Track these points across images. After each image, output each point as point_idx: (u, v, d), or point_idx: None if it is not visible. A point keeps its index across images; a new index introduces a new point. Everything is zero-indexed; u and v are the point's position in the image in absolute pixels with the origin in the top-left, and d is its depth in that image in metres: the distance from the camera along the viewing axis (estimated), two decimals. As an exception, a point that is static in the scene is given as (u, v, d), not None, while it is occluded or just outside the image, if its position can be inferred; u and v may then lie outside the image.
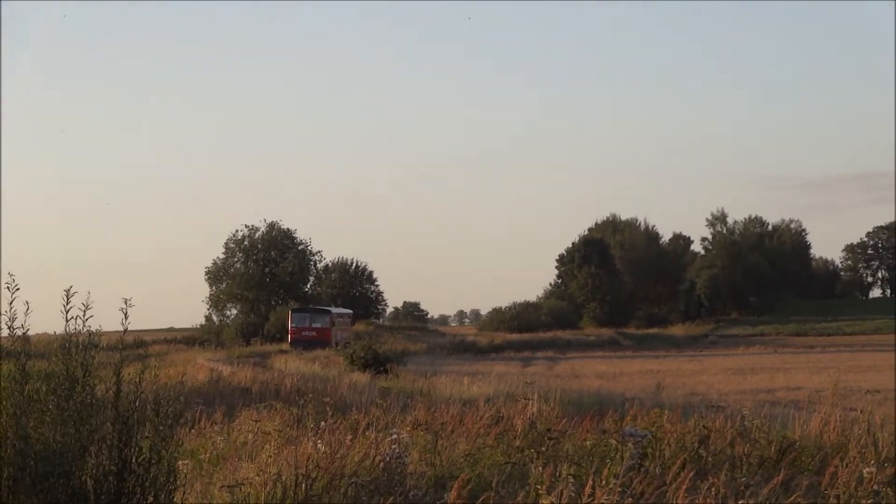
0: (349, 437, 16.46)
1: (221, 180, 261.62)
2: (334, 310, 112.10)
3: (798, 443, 16.76)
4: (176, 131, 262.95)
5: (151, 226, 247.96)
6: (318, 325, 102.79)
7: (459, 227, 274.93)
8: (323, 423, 17.75)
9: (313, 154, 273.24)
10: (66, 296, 10.49)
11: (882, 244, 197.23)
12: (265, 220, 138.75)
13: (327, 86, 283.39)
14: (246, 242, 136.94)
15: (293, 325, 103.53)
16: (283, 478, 13.20)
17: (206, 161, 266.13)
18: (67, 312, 10.51)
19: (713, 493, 11.37)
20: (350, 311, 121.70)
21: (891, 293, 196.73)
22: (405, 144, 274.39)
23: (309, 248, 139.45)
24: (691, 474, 12.28)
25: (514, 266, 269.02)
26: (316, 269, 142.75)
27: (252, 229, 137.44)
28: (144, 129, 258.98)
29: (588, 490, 11.01)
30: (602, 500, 10.95)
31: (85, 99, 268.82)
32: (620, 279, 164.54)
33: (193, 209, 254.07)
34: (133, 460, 10.35)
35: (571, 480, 11.31)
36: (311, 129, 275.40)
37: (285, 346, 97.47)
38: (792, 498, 11.53)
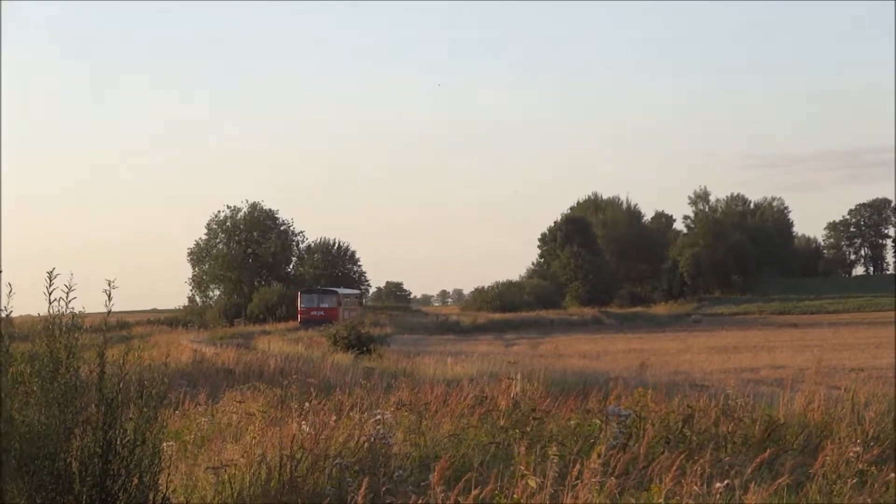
0: (333, 417, 16.45)
1: (203, 162, 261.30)
2: (341, 290, 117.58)
3: (782, 422, 16.81)
4: (157, 111, 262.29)
5: (134, 207, 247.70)
6: (326, 305, 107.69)
7: (442, 207, 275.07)
8: (307, 404, 17.74)
9: (295, 135, 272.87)
10: (49, 277, 10.47)
11: (864, 222, 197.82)
12: (247, 201, 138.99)
13: (306, 66, 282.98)
14: (228, 223, 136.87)
15: (302, 305, 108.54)
16: (268, 459, 13.21)
17: (187, 142, 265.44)
18: (51, 294, 10.49)
19: (698, 473, 11.39)
20: (358, 291, 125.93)
21: (873, 270, 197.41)
22: (386, 124, 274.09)
23: (291, 228, 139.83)
24: (676, 454, 12.31)
25: (497, 246, 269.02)
26: (298, 249, 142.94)
27: (234, 210, 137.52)
28: (125, 109, 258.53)
29: (575, 471, 11.03)
30: (589, 481, 10.96)
31: (63, 76, 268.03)
32: (603, 258, 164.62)
33: (176, 190, 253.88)
34: (118, 442, 10.34)
35: (556, 460, 11.33)
36: (292, 111, 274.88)
37: (268, 327, 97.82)
38: (781, 480, 11.55)
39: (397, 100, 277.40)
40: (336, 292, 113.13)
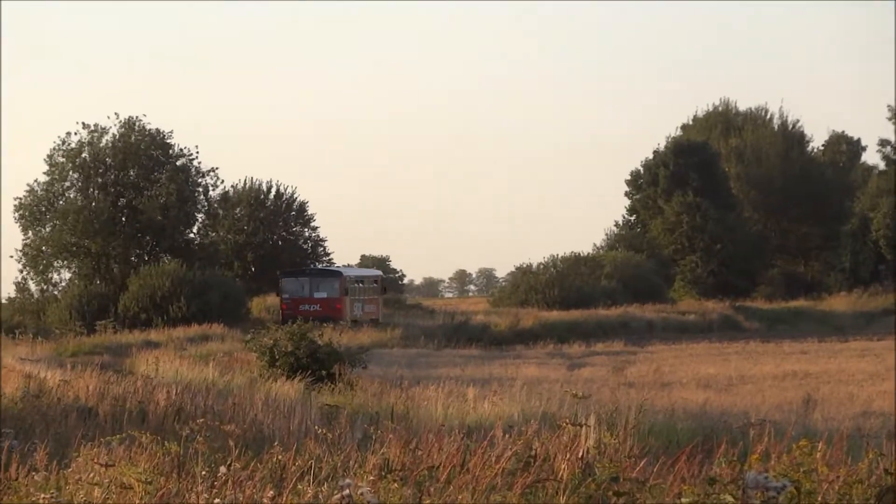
0: (269, 492, 16.55)
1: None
2: (348, 271, 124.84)
3: None
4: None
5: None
6: (324, 295, 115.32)
7: (460, 139, 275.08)
8: (223, 469, 17.85)
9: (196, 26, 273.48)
10: None
11: None
12: (117, 116, 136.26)
13: None
14: (85, 154, 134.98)
15: (286, 295, 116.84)
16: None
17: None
18: None
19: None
20: (378, 272, 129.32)
21: None
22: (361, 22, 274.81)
23: (196, 163, 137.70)
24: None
25: (551, 197, 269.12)
26: (207, 199, 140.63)
27: (96, 131, 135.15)
28: None
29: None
30: None
31: None
32: (739, 214, 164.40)
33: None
34: None
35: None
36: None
37: (154, 335, 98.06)
38: None
39: None
40: (340, 274, 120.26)
